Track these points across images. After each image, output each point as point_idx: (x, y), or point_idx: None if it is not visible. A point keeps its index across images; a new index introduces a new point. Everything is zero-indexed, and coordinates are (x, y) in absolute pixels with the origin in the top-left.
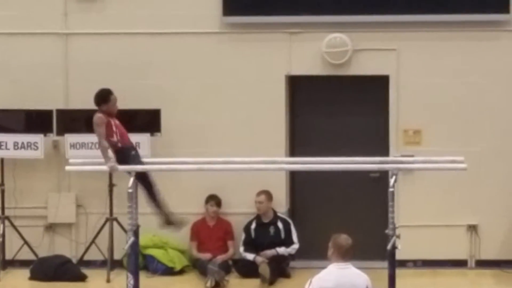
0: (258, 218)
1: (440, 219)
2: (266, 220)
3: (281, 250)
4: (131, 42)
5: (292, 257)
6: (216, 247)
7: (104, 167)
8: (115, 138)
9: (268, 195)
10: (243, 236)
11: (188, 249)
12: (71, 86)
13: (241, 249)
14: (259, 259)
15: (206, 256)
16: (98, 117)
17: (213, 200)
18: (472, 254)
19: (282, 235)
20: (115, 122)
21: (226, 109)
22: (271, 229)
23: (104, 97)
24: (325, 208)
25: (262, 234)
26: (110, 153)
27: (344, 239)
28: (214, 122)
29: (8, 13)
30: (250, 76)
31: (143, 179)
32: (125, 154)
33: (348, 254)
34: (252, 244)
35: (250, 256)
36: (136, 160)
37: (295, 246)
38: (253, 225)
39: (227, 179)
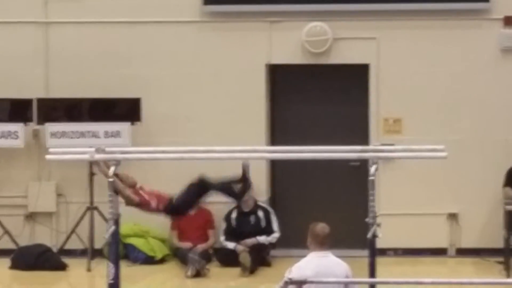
0: (238, 207)
1: (421, 207)
2: (246, 209)
3: (262, 238)
4: (112, 31)
5: (272, 245)
6: (196, 236)
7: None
8: (153, 205)
9: None
10: (223, 225)
11: (169, 238)
12: (51, 75)
13: (222, 238)
14: (239, 247)
15: (186, 245)
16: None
17: None
18: (452, 243)
19: (263, 224)
20: (144, 191)
21: (206, 98)
22: (252, 218)
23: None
24: (305, 197)
25: (242, 223)
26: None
27: (320, 228)
28: (195, 111)
29: None
30: (230, 65)
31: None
32: (177, 210)
33: (325, 243)
34: (232, 233)
35: (230, 245)
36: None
37: (276, 234)
38: (234, 214)
39: (208, 168)
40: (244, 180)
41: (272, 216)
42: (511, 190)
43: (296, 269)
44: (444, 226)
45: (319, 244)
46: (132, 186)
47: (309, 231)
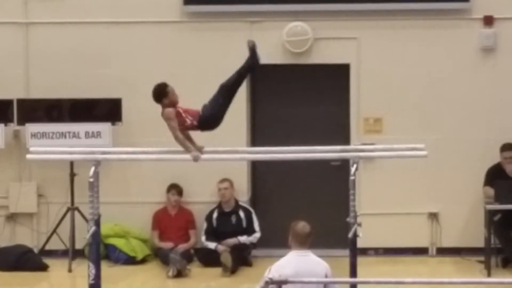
0: (219, 207)
1: (401, 207)
2: (227, 209)
3: (243, 238)
4: (92, 31)
5: (253, 245)
6: (177, 236)
7: (66, 156)
8: (188, 122)
9: (231, 183)
10: (204, 225)
11: (150, 238)
12: (31, 75)
13: (203, 238)
14: (220, 247)
15: (168, 245)
16: (168, 111)
17: (174, 189)
18: (433, 242)
19: (244, 224)
20: (181, 108)
21: (186, 98)
22: (233, 218)
23: (162, 92)
24: (286, 197)
25: (224, 223)
26: (188, 143)
27: (301, 226)
28: None
29: None
30: (211, 65)
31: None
32: (207, 121)
33: (306, 242)
34: (214, 233)
35: (211, 245)
36: (220, 110)
37: (257, 234)
38: (215, 214)
39: (188, 168)
40: (253, 55)
41: (253, 216)
42: (491, 189)
43: (275, 268)
44: (424, 225)
45: (299, 243)
46: (175, 104)
47: (290, 229)
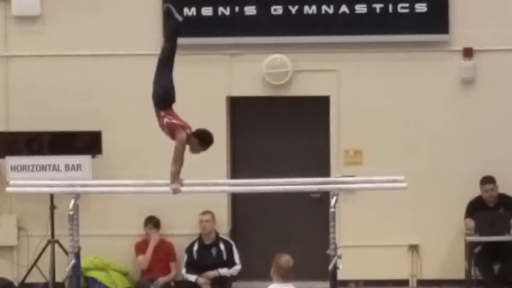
0: (200, 239)
1: (382, 239)
2: (208, 241)
3: (223, 271)
4: (72, 64)
5: (234, 278)
6: (158, 269)
7: (46, 189)
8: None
9: (212, 215)
10: (185, 257)
11: (133, 270)
12: (11, 108)
13: (183, 270)
14: (201, 280)
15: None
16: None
17: (151, 222)
18: (413, 274)
19: (224, 256)
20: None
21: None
22: (213, 251)
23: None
24: (267, 229)
25: (204, 255)
26: (178, 175)
27: (285, 260)
28: (155, 144)
29: None
30: (191, 98)
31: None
32: (165, 98)
33: (288, 275)
34: (194, 266)
35: (192, 278)
36: (170, 81)
37: (237, 267)
38: (195, 247)
39: (168, 200)
40: (171, 17)
41: (233, 249)
42: (471, 221)
43: None
44: (405, 257)
45: (282, 276)
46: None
47: (273, 261)
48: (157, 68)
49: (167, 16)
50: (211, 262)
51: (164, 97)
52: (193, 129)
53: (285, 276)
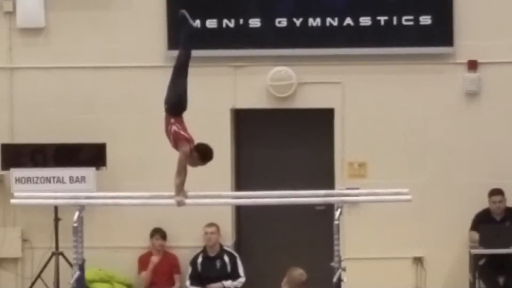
0: (204, 251)
1: (386, 251)
2: (212, 254)
3: (228, 283)
4: (76, 76)
5: None
6: (162, 281)
7: (50, 201)
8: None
9: (217, 227)
10: (189, 269)
11: (137, 283)
12: (16, 120)
13: (187, 282)
14: None
15: None
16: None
17: (158, 233)
18: (418, 286)
19: (229, 268)
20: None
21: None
22: (218, 263)
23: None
24: (271, 241)
25: (208, 268)
26: (181, 187)
27: (298, 274)
28: (160, 156)
29: None
30: (195, 110)
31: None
32: (178, 104)
33: None
34: (198, 278)
35: None
36: (184, 89)
37: (241, 279)
38: (200, 259)
39: (173, 213)
40: (185, 23)
41: (238, 261)
42: (476, 233)
43: None
44: (409, 270)
45: None
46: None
47: (287, 273)
48: (172, 74)
49: (182, 23)
50: (215, 275)
51: (177, 104)
52: (196, 142)
53: None
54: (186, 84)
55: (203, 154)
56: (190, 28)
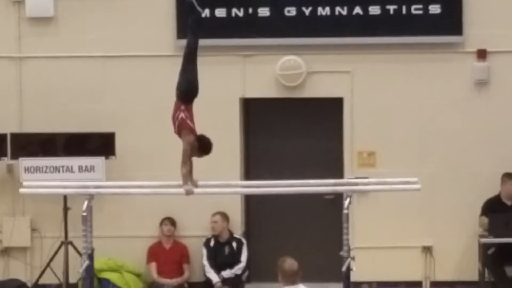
0: (215, 236)
1: (395, 240)
2: (222, 240)
3: (226, 273)
4: (85, 65)
5: (247, 279)
6: (172, 270)
7: (59, 190)
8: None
9: (223, 216)
10: (204, 251)
11: (145, 272)
12: (25, 109)
13: (206, 262)
14: (219, 285)
15: (166, 281)
16: (191, 140)
17: (168, 220)
18: (427, 276)
19: (237, 255)
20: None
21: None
22: (226, 249)
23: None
24: (280, 230)
25: (218, 252)
26: (188, 176)
27: (288, 264)
28: (169, 145)
29: None
30: (204, 99)
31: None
32: (190, 91)
33: (295, 279)
34: (214, 259)
35: (213, 276)
36: (195, 75)
37: (241, 265)
38: (212, 242)
39: (182, 202)
40: (192, 11)
41: (243, 247)
42: (486, 218)
43: None
44: (418, 259)
45: (290, 281)
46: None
47: (278, 267)
48: (183, 61)
49: (189, 10)
50: (223, 261)
51: (188, 91)
52: (204, 132)
53: (293, 280)
54: (197, 70)
55: (203, 146)
56: (198, 14)
